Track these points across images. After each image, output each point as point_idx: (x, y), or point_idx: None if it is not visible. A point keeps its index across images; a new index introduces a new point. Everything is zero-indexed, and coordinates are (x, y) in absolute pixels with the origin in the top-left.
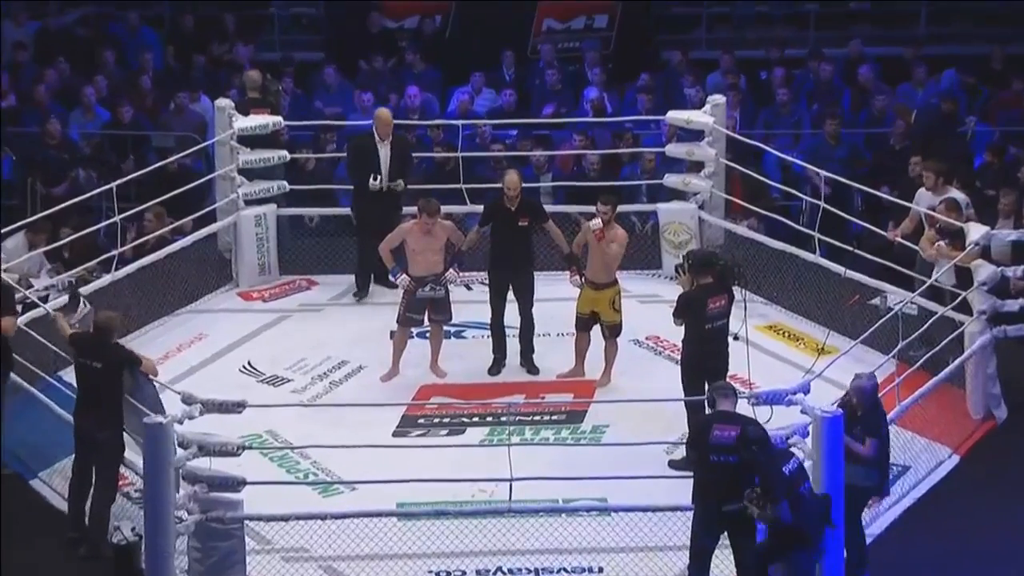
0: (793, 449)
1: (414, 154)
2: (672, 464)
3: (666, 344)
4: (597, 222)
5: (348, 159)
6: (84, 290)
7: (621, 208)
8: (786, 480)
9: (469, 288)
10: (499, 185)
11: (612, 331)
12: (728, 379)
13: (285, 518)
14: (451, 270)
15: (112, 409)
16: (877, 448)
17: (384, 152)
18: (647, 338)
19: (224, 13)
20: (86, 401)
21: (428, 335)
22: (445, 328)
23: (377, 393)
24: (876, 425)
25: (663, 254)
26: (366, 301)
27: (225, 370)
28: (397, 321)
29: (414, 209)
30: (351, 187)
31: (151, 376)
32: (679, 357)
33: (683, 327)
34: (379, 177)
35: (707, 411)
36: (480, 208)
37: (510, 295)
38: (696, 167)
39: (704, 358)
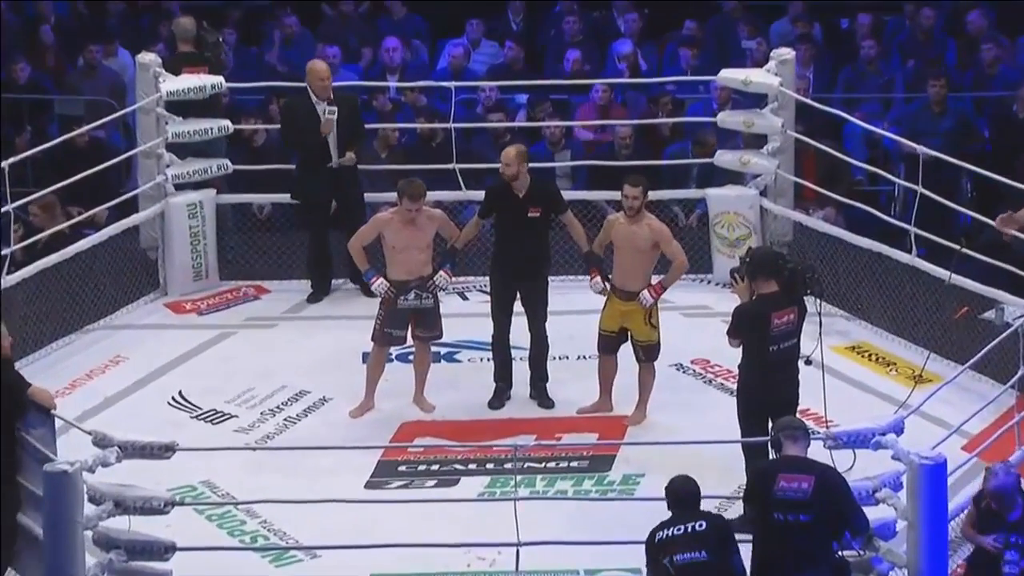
0: (883, 506)
1: (396, 125)
2: None
3: (718, 370)
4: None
5: (281, 127)
6: None
7: (663, 195)
8: (652, 545)
9: (464, 297)
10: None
11: (647, 353)
12: (798, 415)
13: None
14: (441, 273)
15: (2, 449)
16: None
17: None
18: (693, 362)
19: None
20: None
21: (412, 358)
22: (433, 348)
23: (346, 432)
24: None
25: (714, 254)
26: (331, 314)
27: (150, 403)
28: (372, 339)
29: (390, 196)
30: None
31: (47, 408)
32: (735, 387)
33: (740, 348)
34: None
35: (771, 456)
36: (479, 195)
37: (517, 306)
38: (756, 141)
39: (767, 388)
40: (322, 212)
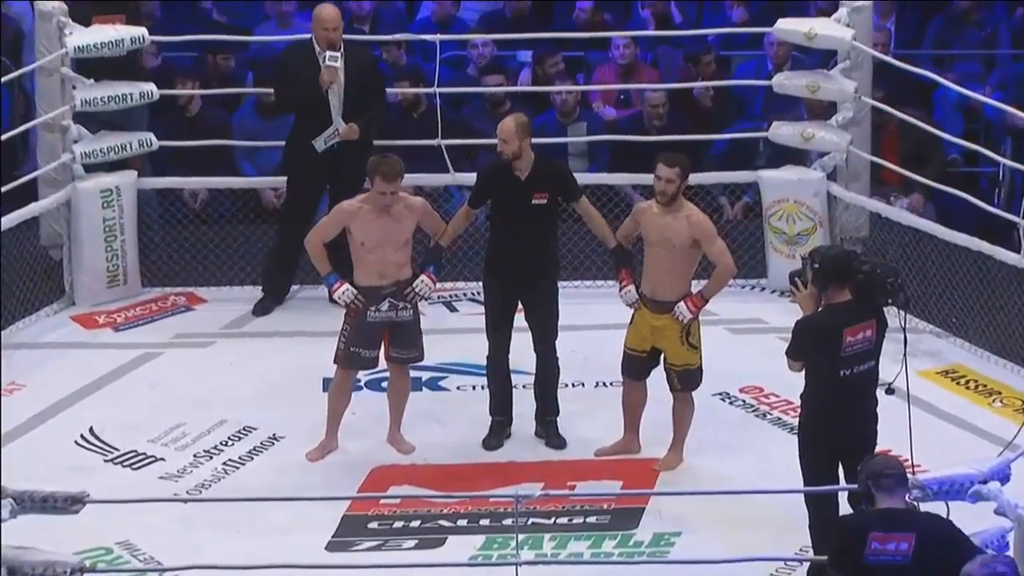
0: None
1: None
2: None
3: (774, 400)
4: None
5: (274, 86)
6: None
7: (706, 178)
8: None
9: (452, 308)
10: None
11: (685, 381)
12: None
13: None
14: (423, 277)
15: None
16: None
17: None
18: (742, 390)
19: None
20: None
21: (385, 385)
22: (413, 373)
23: (302, 479)
24: None
25: (769, 254)
26: (283, 330)
27: (53, 442)
28: (335, 361)
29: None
30: (284, 137)
31: None
32: (795, 421)
33: (803, 373)
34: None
35: (859, 507)
36: (471, 178)
37: (519, 320)
38: (822, 110)
39: (837, 423)
40: (310, 194)
